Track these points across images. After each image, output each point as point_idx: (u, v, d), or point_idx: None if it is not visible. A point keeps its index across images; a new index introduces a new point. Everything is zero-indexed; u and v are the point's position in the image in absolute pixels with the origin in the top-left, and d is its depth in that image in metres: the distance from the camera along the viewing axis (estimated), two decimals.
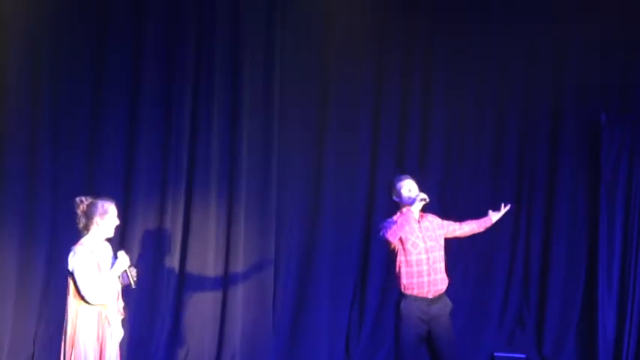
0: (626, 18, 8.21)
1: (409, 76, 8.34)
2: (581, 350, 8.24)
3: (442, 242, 6.14)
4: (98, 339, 5.26)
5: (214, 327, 7.81)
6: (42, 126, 7.62)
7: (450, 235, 6.26)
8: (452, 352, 6.04)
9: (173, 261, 7.72)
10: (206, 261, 7.81)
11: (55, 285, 7.54)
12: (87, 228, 5.35)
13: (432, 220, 6.16)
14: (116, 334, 5.40)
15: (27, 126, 7.60)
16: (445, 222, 6.25)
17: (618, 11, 8.21)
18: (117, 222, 5.46)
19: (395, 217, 6.03)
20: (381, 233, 5.97)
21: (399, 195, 6.05)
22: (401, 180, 6.09)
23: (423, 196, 5.96)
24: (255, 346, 7.90)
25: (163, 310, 7.64)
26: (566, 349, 8.25)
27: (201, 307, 7.78)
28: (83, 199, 5.40)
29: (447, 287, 6.12)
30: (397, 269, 6.02)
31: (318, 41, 8.18)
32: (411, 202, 5.95)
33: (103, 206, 5.37)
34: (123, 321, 5.47)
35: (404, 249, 5.96)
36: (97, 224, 5.35)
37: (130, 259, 7.50)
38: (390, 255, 6.10)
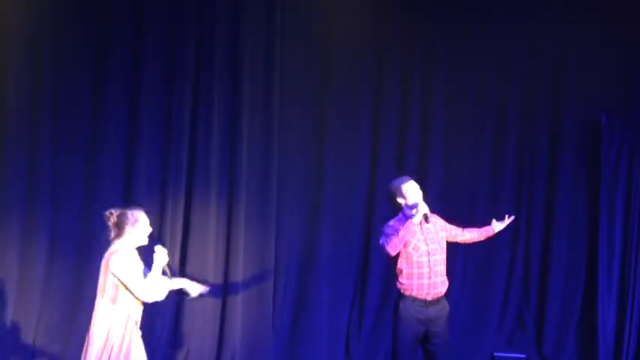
0: (626, 18, 8.21)
1: (409, 76, 8.34)
2: (581, 350, 8.25)
3: (444, 245, 6.08)
4: (125, 341, 5.27)
5: (214, 327, 7.81)
6: (42, 126, 7.61)
7: (451, 240, 6.19)
8: (445, 354, 6.03)
9: (173, 261, 7.71)
10: (206, 261, 7.80)
11: (55, 285, 7.54)
12: (119, 237, 5.35)
13: (436, 221, 6.09)
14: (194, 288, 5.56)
15: (27, 126, 7.60)
16: (449, 225, 6.19)
17: (618, 11, 8.21)
18: (149, 229, 5.42)
19: (397, 220, 5.99)
20: (381, 242, 5.93)
21: (404, 197, 5.96)
22: (404, 182, 6.00)
23: (425, 210, 5.86)
24: (255, 347, 7.89)
25: (163, 310, 7.63)
26: (566, 349, 8.25)
27: (202, 308, 7.78)
28: (113, 210, 5.37)
29: (447, 290, 6.08)
30: (397, 270, 5.99)
31: (318, 41, 8.18)
32: (412, 216, 5.84)
33: (133, 215, 5.34)
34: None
35: (405, 251, 5.91)
36: (130, 233, 5.33)
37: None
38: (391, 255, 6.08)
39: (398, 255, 5.94)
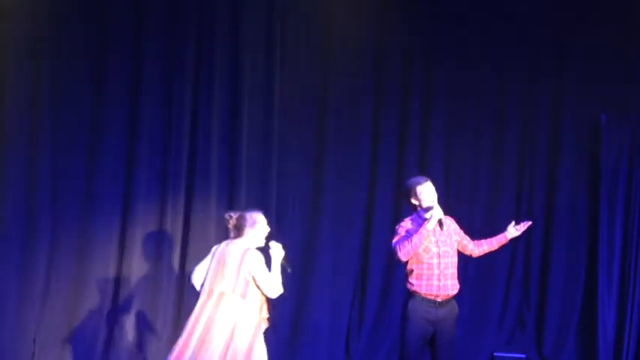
0: (626, 19, 8.22)
1: (409, 76, 8.34)
2: (581, 350, 8.25)
3: (456, 248, 6.02)
4: (250, 338, 5.53)
5: None
6: (42, 126, 7.60)
7: (460, 249, 6.12)
8: (451, 355, 6.00)
9: (173, 261, 7.71)
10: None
11: (55, 285, 7.53)
12: (238, 238, 5.67)
13: (450, 224, 6.04)
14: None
15: (27, 126, 7.59)
16: (462, 232, 6.13)
17: (618, 12, 8.21)
18: (267, 230, 5.73)
19: (411, 220, 5.93)
20: (393, 244, 5.86)
21: (418, 199, 5.90)
22: (420, 183, 5.92)
23: (440, 216, 5.80)
24: None
25: (164, 310, 7.63)
26: (566, 349, 8.26)
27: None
28: (232, 214, 5.74)
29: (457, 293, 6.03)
30: (407, 270, 5.94)
31: (318, 41, 8.18)
32: (426, 220, 5.78)
33: (251, 217, 5.69)
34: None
35: (416, 253, 5.84)
36: (248, 234, 5.64)
37: (130, 259, 7.63)
38: None
39: None
